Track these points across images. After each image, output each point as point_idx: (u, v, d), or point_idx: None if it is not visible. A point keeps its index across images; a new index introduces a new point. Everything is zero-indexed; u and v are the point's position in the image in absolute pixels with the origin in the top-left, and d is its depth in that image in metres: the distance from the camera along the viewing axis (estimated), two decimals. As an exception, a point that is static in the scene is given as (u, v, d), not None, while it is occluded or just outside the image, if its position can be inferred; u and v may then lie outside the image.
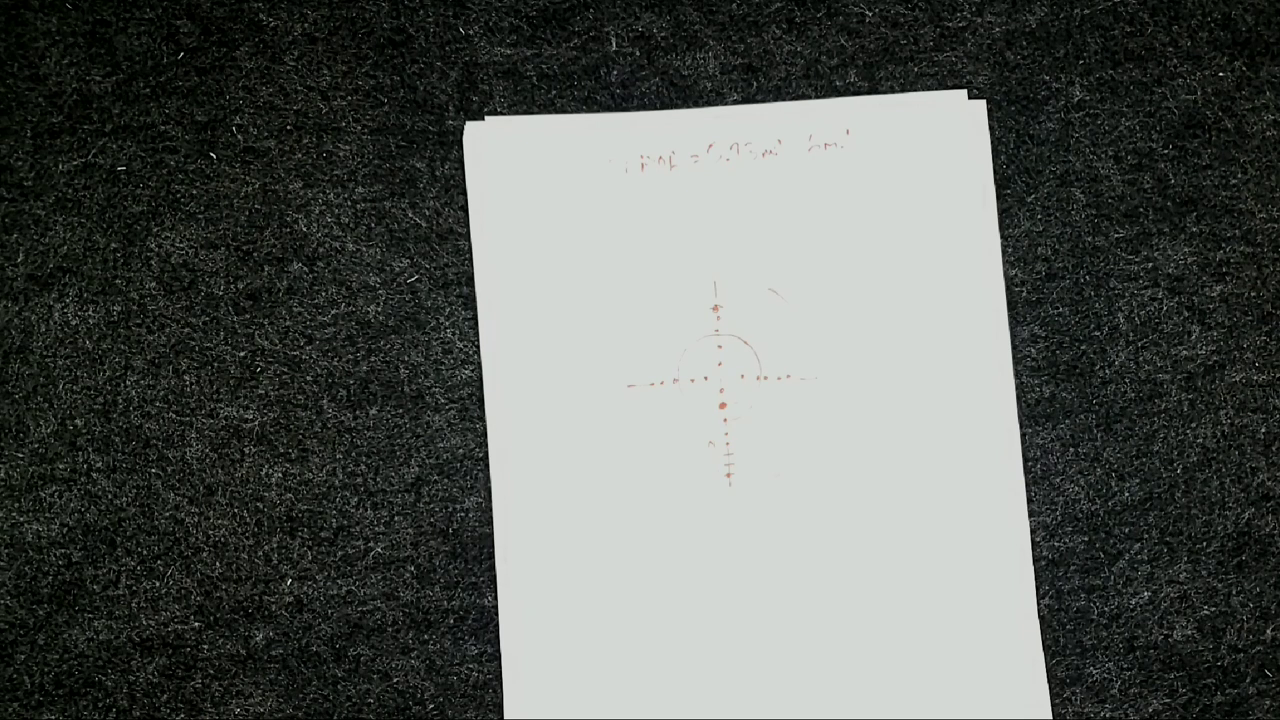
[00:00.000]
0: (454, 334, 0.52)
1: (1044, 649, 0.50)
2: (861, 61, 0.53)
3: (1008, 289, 0.52)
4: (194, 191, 0.52)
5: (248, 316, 0.52)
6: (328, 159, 0.53)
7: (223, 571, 0.50)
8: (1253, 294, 0.52)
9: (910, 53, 0.53)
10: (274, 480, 0.51)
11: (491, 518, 0.51)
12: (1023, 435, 0.51)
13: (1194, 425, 0.52)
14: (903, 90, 0.53)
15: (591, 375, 0.51)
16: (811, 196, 0.52)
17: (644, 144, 0.52)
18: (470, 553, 0.51)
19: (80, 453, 0.51)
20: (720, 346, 0.52)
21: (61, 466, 0.51)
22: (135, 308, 0.52)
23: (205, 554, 0.50)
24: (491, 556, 0.51)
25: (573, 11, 0.53)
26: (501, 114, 0.53)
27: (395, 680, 0.50)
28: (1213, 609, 0.51)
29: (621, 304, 0.52)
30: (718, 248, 0.52)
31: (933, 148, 0.53)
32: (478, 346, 0.52)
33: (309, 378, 0.51)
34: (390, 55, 0.53)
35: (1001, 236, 0.52)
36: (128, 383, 0.51)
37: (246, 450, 0.51)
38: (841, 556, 0.50)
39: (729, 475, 0.51)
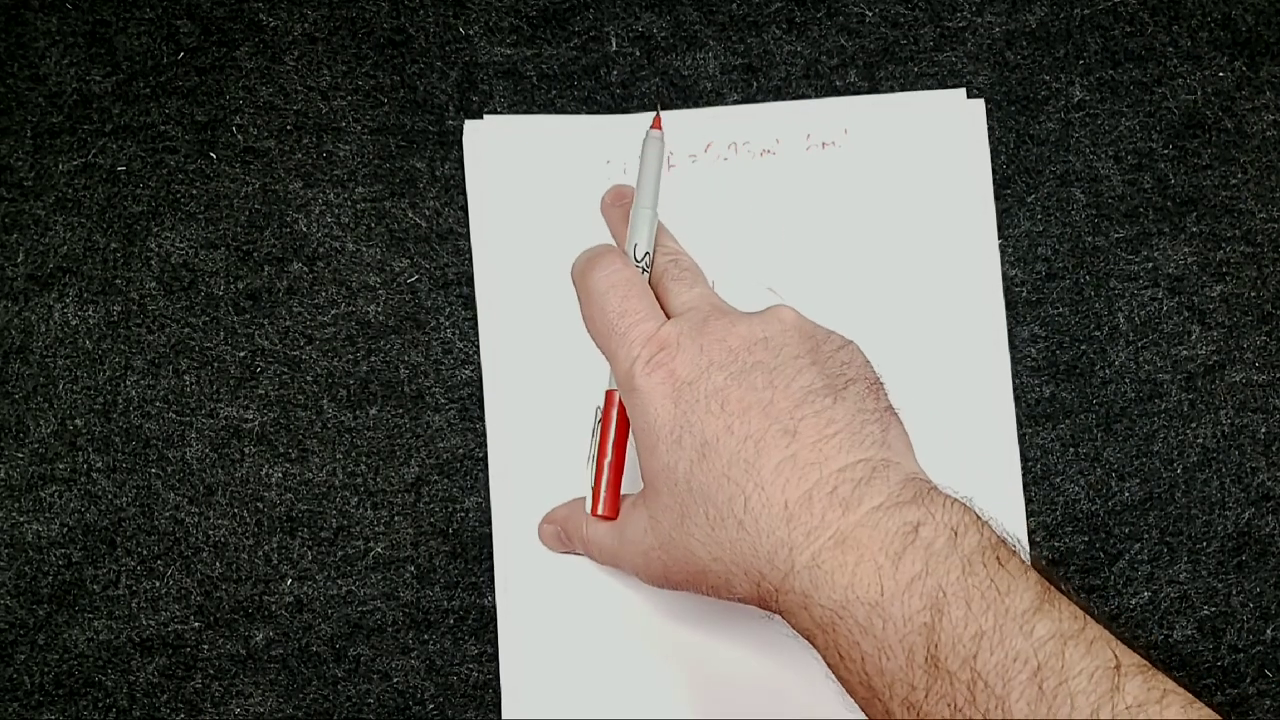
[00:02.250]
0: (454, 334, 0.52)
1: (1044, 649, 0.50)
2: (861, 61, 0.53)
3: (1008, 289, 0.52)
4: (194, 191, 0.52)
5: (248, 316, 0.52)
6: (328, 159, 0.53)
7: (223, 571, 0.50)
8: (1253, 294, 0.52)
9: (910, 53, 0.53)
10: (274, 480, 0.51)
11: (491, 518, 0.51)
12: (1023, 435, 0.51)
13: (1194, 425, 0.52)
14: (903, 90, 0.53)
15: (591, 375, 0.51)
16: (810, 196, 0.52)
17: (643, 144, 0.52)
18: (470, 553, 0.51)
19: (80, 453, 0.51)
20: (719, 346, 0.52)
21: (61, 466, 0.51)
22: (135, 308, 0.52)
23: (205, 554, 0.50)
24: (491, 556, 0.51)
25: (573, 11, 0.53)
26: (501, 114, 0.53)
27: (395, 680, 0.50)
28: (1213, 609, 0.51)
29: (621, 304, 0.52)
30: (716, 247, 0.52)
31: (932, 147, 0.53)
32: (478, 346, 0.52)
33: (309, 378, 0.52)
34: (390, 55, 0.53)
35: (1001, 236, 0.52)
36: (128, 383, 0.51)
37: (246, 450, 0.51)
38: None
39: (728, 475, 0.51)
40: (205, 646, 0.50)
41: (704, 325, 0.42)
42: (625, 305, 0.43)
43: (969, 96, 0.53)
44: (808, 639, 0.39)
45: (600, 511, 0.46)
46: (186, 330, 0.52)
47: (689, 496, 0.40)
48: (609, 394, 0.47)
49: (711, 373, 0.41)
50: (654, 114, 0.48)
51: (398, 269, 0.52)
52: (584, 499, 0.48)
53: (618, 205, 0.50)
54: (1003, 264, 0.52)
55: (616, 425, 0.46)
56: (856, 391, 0.41)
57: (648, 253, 0.46)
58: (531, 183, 0.52)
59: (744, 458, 0.39)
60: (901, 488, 0.38)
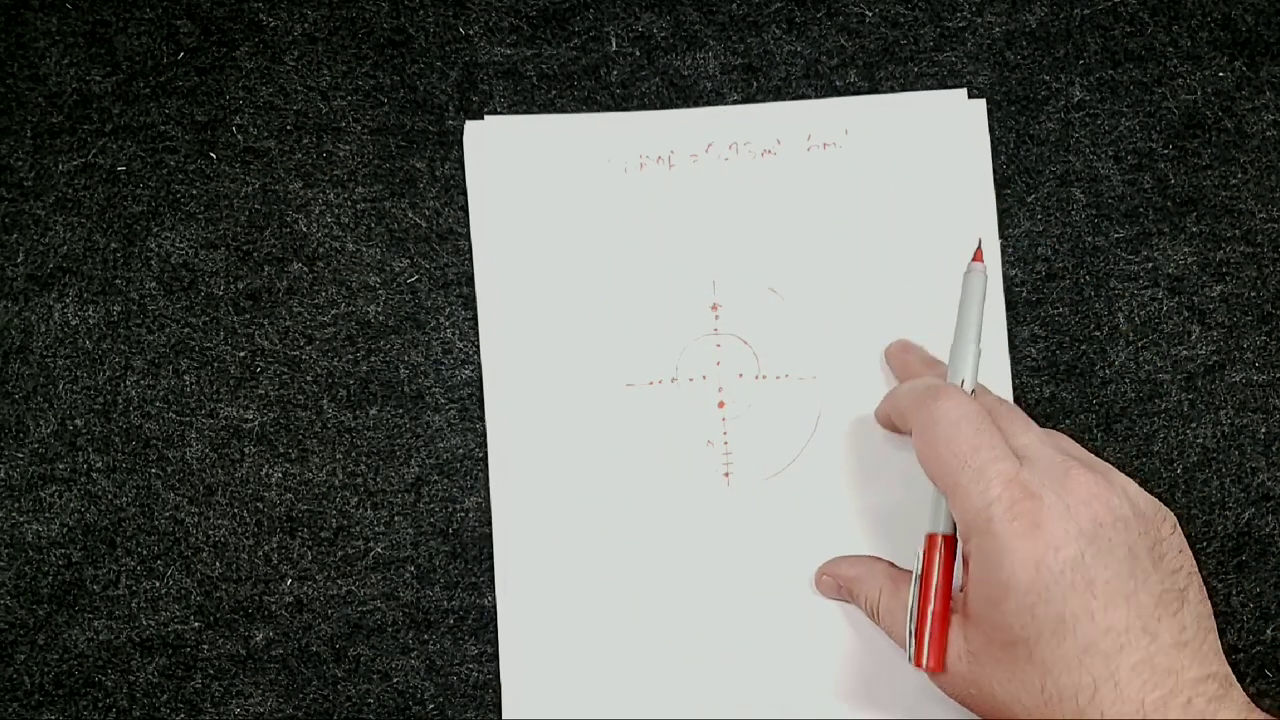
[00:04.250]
0: (454, 334, 0.52)
1: (1044, 649, 0.50)
2: (861, 61, 0.53)
3: (1008, 289, 0.52)
4: (194, 191, 0.52)
5: (248, 316, 0.52)
6: (328, 159, 0.53)
7: (223, 571, 0.50)
8: (1253, 294, 0.52)
9: (910, 53, 0.53)
10: (274, 480, 0.51)
11: (491, 518, 0.51)
12: (1023, 435, 0.51)
13: (1194, 425, 0.52)
14: (903, 90, 0.53)
15: (591, 374, 0.51)
16: (810, 196, 0.52)
17: (643, 144, 0.52)
18: (470, 553, 0.51)
19: (80, 453, 0.51)
20: (719, 345, 0.52)
21: (61, 466, 0.51)
22: (135, 308, 0.52)
23: (205, 554, 0.50)
24: (491, 556, 0.51)
25: (573, 11, 0.53)
26: (501, 114, 0.53)
27: (395, 680, 0.50)
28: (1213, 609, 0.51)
29: (621, 303, 0.52)
30: (717, 247, 0.52)
31: (932, 147, 0.53)
32: (478, 346, 0.52)
33: (309, 378, 0.52)
34: (390, 55, 0.53)
35: (1001, 236, 0.52)
36: (128, 383, 0.51)
37: (246, 450, 0.51)
38: (839, 556, 0.50)
39: (727, 474, 0.51)
40: (205, 646, 0.50)
41: (1066, 480, 0.41)
42: (979, 440, 0.41)
43: (970, 97, 0.53)
44: None
45: (925, 665, 0.43)
46: (186, 330, 0.52)
47: (1028, 664, 0.39)
48: (932, 537, 0.44)
49: (1080, 543, 0.39)
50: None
51: (398, 269, 0.52)
52: (879, 564, 0.48)
53: (908, 352, 0.50)
54: (1003, 264, 0.52)
55: (941, 571, 0.44)
56: (1195, 594, 0.40)
57: (973, 390, 0.45)
58: (532, 183, 0.52)
59: (1103, 649, 0.38)
60: (1249, 709, 0.38)
